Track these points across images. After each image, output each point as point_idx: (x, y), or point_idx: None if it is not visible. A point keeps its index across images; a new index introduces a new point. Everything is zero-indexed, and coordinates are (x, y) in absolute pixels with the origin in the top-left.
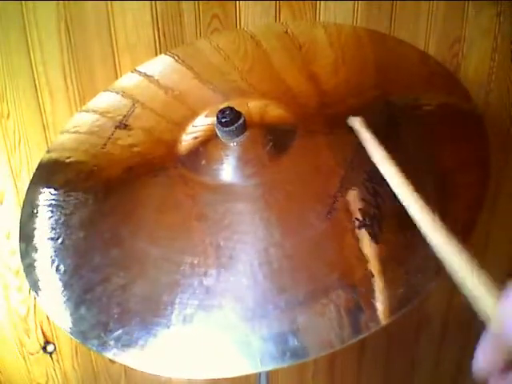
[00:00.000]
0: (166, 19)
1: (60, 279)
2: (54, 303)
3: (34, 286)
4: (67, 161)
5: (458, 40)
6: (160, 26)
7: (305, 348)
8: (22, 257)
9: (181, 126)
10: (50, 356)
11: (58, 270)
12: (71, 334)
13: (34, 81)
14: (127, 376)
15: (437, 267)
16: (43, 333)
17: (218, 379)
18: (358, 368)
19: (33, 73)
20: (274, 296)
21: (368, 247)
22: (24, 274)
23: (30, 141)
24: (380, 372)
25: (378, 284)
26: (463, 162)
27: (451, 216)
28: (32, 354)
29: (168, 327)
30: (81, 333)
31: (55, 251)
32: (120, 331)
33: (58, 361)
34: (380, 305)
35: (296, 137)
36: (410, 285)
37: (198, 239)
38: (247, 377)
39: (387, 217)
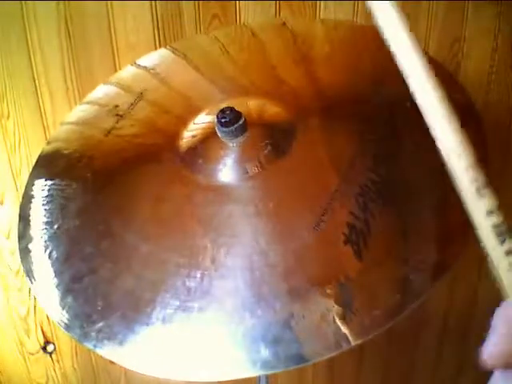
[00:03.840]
0: (166, 19)
1: (52, 265)
2: (45, 289)
3: (28, 269)
4: (66, 152)
5: (458, 40)
6: (160, 26)
7: (275, 360)
8: (19, 238)
9: (181, 119)
10: (50, 356)
11: (50, 256)
12: (59, 323)
13: (34, 81)
14: (127, 376)
15: (417, 290)
16: (43, 333)
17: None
18: (358, 368)
19: (33, 73)
20: (251, 304)
21: (351, 263)
22: (24, 274)
23: (30, 141)
24: (380, 372)
25: (356, 303)
26: None
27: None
28: (32, 354)
29: (147, 325)
30: (65, 321)
31: (50, 237)
32: (101, 324)
33: (57, 361)
34: (354, 324)
35: (295, 139)
36: (388, 306)
37: (186, 239)
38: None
39: (375, 234)
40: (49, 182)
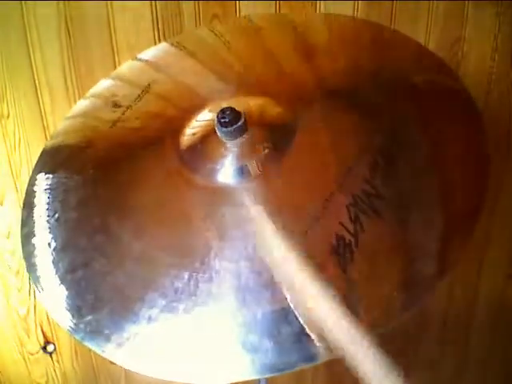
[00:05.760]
0: (166, 19)
1: (49, 255)
2: (43, 278)
3: (28, 257)
4: (69, 145)
5: (458, 40)
6: (160, 26)
7: (251, 367)
8: (22, 225)
9: (185, 112)
10: (50, 356)
11: (49, 245)
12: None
13: (34, 81)
14: (127, 376)
15: (400, 308)
16: (43, 333)
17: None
18: None
19: (33, 73)
20: (234, 310)
21: (335, 276)
22: (24, 274)
23: (30, 141)
24: None
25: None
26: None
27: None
28: (32, 354)
29: (133, 322)
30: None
31: (49, 227)
32: (90, 317)
33: (57, 361)
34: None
35: (294, 141)
36: (369, 323)
37: (179, 239)
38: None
39: (362, 247)
40: (51, 175)
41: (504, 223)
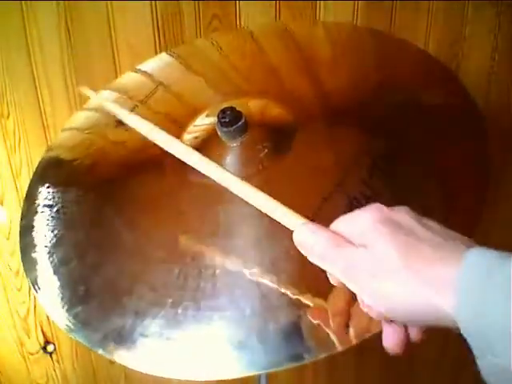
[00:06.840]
0: (166, 19)
1: (45, 246)
2: (38, 268)
3: (25, 249)
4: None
5: (457, 40)
6: (160, 25)
7: (238, 364)
8: (21, 217)
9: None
10: (50, 356)
11: (45, 237)
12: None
13: (34, 81)
14: (127, 376)
15: None
16: (43, 333)
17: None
18: (358, 368)
19: (33, 73)
20: (222, 305)
21: (326, 278)
22: (24, 274)
23: (30, 141)
24: (380, 372)
25: (323, 317)
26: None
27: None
28: (32, 354)
29: (121, 315)
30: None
31: (48, 218)
32: (79, 308)
33: (57, 361)
34: (320, 337)
35: (294, 142)
36: (358, 327)
37: (172, 234)
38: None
39: None
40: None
41: (504, 224)
